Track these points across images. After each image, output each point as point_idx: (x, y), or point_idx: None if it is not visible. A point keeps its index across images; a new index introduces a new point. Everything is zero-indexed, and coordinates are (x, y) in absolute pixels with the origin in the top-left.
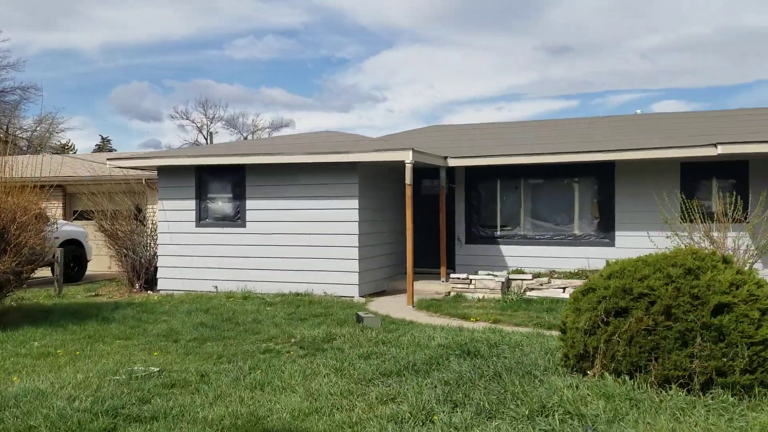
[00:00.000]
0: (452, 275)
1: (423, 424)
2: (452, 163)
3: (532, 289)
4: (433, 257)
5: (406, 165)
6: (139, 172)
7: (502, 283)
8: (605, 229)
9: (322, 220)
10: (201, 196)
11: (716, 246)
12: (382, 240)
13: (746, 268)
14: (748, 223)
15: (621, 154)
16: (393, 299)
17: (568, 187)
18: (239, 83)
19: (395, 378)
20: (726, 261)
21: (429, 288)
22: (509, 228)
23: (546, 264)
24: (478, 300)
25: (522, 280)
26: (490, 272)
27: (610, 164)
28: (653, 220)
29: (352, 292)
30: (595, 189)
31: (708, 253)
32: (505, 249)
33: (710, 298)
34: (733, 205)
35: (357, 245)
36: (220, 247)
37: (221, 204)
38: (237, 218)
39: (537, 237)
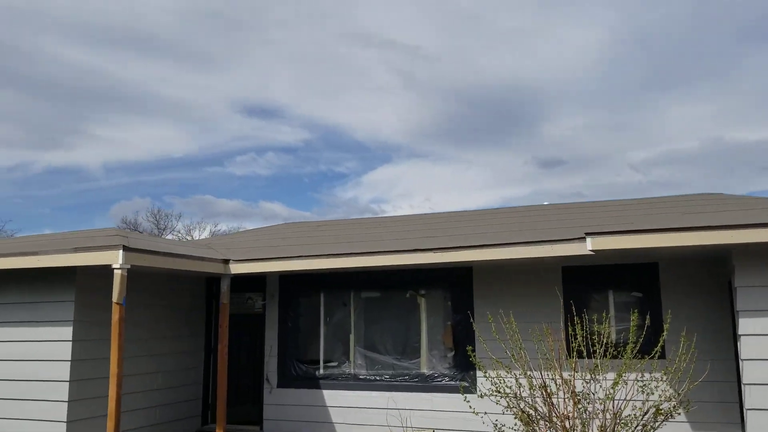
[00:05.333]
0: None
1: None
2: (236, 269)
3: None
4: (244, 404)
5: (115, 272)
6: None
7: None
8: (463, 366)
9: (21, 359)
10: None
11: (570, 405)
12: (133, 386)
13: None
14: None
15: (432, 255)
16: None
17: (412, 303)
18: (239, 198)
19: None
20: None
21: None
22: (335, 364)
23: (383, 420)
24: None
25: None
26: None
27: (466, 270)
28: (531, 353)
29: None
30: (448, 306)
31: None
32: (330, 396)
33: None
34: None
35: (66, 398)
36: None
37: None
38: None
39: (371, 377)
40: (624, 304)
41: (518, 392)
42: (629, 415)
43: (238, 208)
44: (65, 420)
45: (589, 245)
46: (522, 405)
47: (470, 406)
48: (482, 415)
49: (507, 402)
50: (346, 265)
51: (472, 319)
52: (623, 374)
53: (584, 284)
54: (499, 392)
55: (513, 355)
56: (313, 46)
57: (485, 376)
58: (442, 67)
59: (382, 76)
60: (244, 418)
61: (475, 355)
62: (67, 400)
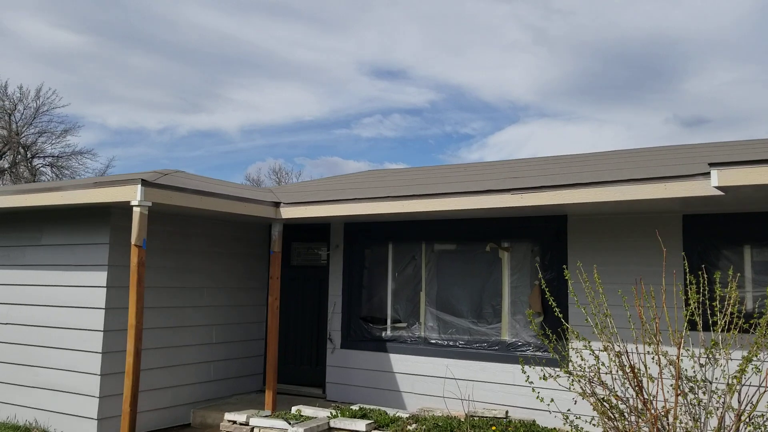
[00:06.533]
0: (227, 420)
1: None
2: (288, 213)
3: None
4: (308, 363)
5: (134, 210)
6: None
7: None
8: (552, 333)
9: (55, 305)
10: None
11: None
12: (185, 339)
13: None
14: None
15: (536, 194)
16: None
17: (494, 258)
18: (365, 159)
19: None
20: None
21: None
22: (404, 325)
23: (455, 391)
24: None
25: (349, 431)
26: (304, 410)
27: (558, 220)
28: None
29: (89, 430)
30: (536, 262)
31: None
32: (397, 361)
33: None
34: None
35: (101, 350)
36: None
37: None
38: None
39: (444, 343)
40: (766, 265)
41: (596, 374)
42: (762, 414)
43: (364, 170)
44: (99, 373)
45: (715, 180)
46: (601, 391)
47: (532, 387)
48: (564, 396)
49: (581, 388)
50: (406, 210)
51: (564, 279)
52: (756, 355)
53: (712, 238)
54: (571, 374)
55: (597, 324)
56: (440, 4)
57: (576, 349)
58: (577, 21)
59: (512, 32)
60: (306, 378)
61: (536, 323)
62: (101, 351)
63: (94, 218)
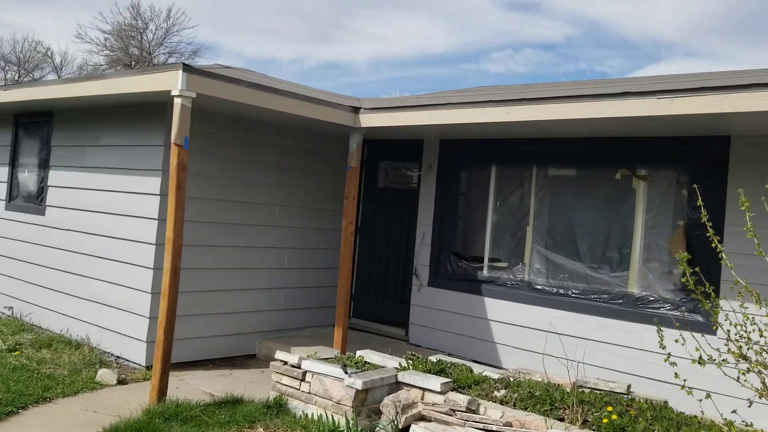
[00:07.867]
0: (278, 360)
1: None
2: (369, 120)
3: (443, 422)
4: (392, 299)
5: (175, 102)
6: None
7: (358, 393)
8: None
9: (111, 212)
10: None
11: None
12: (253, 261)
13: None
14: None
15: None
16: (182, 385)
17: (626, 189)
18: None
19: None
20: None
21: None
22: (505, 265)
23: (564, 349)
24: (305, 418)
25: (420, 388)
26: (369, 356)
27: (718, 141)
28: None
29: (137, 352)
30: (682, 197)
31: None
32: (494, 307)
33: None
34: None
35: (152, 265)
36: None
37: (28, 174)
38: (39, 199)
39: (553, 290)
40: None
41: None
42: None
43: None
44: (150, 291)
45: None
46: None
47: (667, 357)
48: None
49: (762, 381)
50: (512, 118)
51: (722, 219)
52: None
53: None
54: (744, 357)
55: None
56: None
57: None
58: None
59: None
60: (389, 316)
61: (684, 273)
62: (152, 267)
63: (151, 116)
